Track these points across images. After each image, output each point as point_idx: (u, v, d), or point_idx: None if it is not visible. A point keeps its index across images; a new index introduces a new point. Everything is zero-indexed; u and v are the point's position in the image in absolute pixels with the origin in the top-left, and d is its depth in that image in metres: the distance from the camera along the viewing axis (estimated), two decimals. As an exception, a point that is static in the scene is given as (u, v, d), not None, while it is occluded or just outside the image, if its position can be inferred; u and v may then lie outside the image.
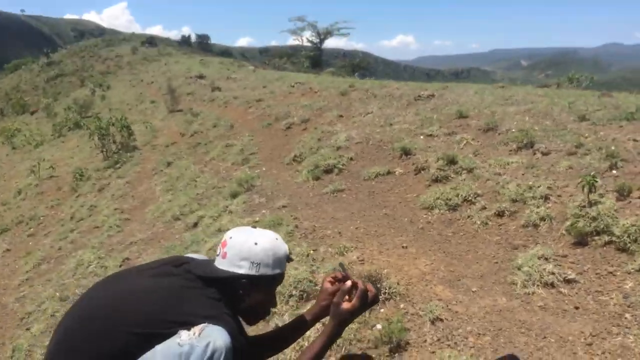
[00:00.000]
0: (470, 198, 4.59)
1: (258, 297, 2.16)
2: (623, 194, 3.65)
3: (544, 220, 3.90)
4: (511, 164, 5.01)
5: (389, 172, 5.91)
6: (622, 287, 3.06)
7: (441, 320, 3.00)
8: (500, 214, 4.25)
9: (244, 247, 2.04)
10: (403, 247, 4.08)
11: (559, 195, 4.10)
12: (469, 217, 4.38)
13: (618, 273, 3.18)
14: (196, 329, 1.78)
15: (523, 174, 4.72)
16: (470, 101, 7.97)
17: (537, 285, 3.24)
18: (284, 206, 5.57)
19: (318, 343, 2.26)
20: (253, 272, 2.04)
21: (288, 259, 2.13)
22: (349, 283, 2.34)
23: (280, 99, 12.00)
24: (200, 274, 2.13)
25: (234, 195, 6.34)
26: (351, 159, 6.59)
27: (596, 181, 3.57)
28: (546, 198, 4.12)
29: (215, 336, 1.77)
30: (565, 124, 5.72)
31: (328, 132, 7.91)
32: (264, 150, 8.63)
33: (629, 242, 3.28)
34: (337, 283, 2.52)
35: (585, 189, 3.58)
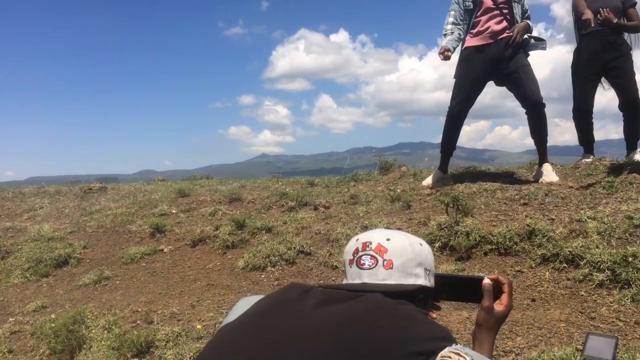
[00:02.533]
0: (304, 249, 4.13)
1: None
2: (466, 213, 3.95)
3: (409, 249, 3.83)
4: (305, 218, 4.77)
5: (155, 251, 4.78)
6: (537, 277, 3.27)
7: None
8: (353, 255, 3.97)
9: (415, 249, 1.42)
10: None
11: (399, 228, 4.13)
12: (323, 264, 3.92)
13: (524, 270, 3.39)
14: (457, 355, 1.18)
15: (328, 224, 4.56)
16: (158, 189, 7.24)
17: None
18: (43, 307, 3.85)
19: None
20: (427, 282, 1.45)
21: None
22: (488, 281, 1.79)
23: None
24: (383, 290, 1.39)
25: None
26: (85, 247, 5.05)
27: (459, 201, 3.77)
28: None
29: (481, 357, 1.26)
30: (304, 189, 5.84)
31: (11, 229, 5.86)
32: None
33: (512, 245, 3.55)
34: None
35: (450, 210, 3.73)
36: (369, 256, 1.34)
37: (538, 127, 4.84)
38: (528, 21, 4.85)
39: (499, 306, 1.56)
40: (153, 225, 5.13)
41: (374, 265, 1.33)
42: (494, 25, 4.68)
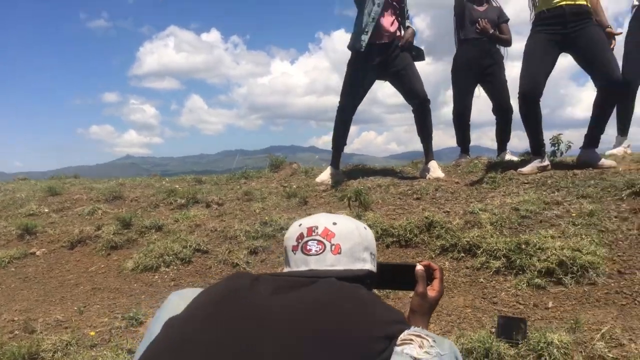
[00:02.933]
0: (201, 248, 3.91)
1: None
2: (367, 207, 3.99)
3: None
4: (197, 216, 4.53)
5: (26, 255, 4.26)
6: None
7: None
8: (253, 252, 3.83)
9: (361, 233, 1.39)
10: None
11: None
12: (222, 262, 3.73)
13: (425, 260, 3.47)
14: (418, 337, 1.17)
15: (223, 221, 4.37)
16: (21, 188, 6.52)
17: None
18: None
19: None
20: (373, 267, 1.43)
21: None
22: (421, 267, 1.81)
23: None
24: (333, 276, 1.38)
25: None
26: None
27: (362, 195, 3.79)
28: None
29: (439, 337, 1.25)
30: (192, 187, 5.56)
31: None
32: None
33: (412, 237, 3.62)
34: None
35: (353, 204, 3.75)
36: (316, 241, 1.27)
37: (424, 123, 5.03)
38: (412, 27, 5.05)
39: (431, 292, 1.53)
40: (21, 226, 4.57)
41: (321, 251, 1.26)
42: (389, 26, 4.80)
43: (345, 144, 5.18)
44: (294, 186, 5.08)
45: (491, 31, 5.43)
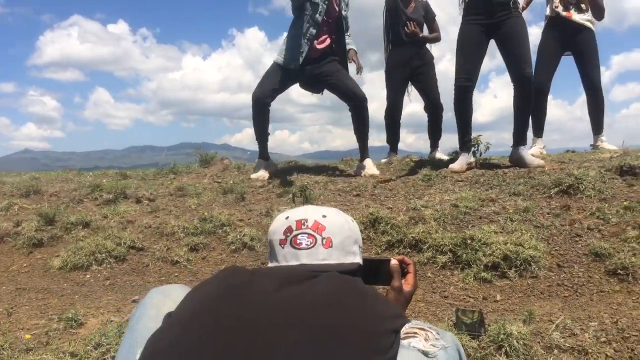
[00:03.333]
0: (135, 245, 3.70)
1: None
2: (311, 203, 3.95)
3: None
4: (128, 211, 4.28)
5: None
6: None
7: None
8: (193, 249, 3.67)
9: (350, 226, 1.40)
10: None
11: (240, 220, 3.95)
12: (160, 259, 3.55)
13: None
14: (422, 331, 1.21)
15: (157, 217, 4.17)
16: None
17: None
18: None
19: None
20: (361, 260, 1.41)
21: None
22: (396, 262, 1.84)
23: None
24: (327, 270, 1.40)
25: None
26: None
27: (306, 191, 3.75)
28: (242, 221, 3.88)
29: (441, 329, 1.30)
30: (118, 181, 5.26)
31: None
32: None
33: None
34: None
35: (297, 200, 3.71)
36: (306, 235, 1.25)
37: (361, 121, 5.05)
38: (354, 47, 5.13)
39: (406, 286, 1.54)
40: None
41: (312, 245, 1.24)
42: (319, 44, 4.79)
43: (268, 134, 5.10)
44: (230, 182, 4.95)
45: (420, 35, 5.58)
